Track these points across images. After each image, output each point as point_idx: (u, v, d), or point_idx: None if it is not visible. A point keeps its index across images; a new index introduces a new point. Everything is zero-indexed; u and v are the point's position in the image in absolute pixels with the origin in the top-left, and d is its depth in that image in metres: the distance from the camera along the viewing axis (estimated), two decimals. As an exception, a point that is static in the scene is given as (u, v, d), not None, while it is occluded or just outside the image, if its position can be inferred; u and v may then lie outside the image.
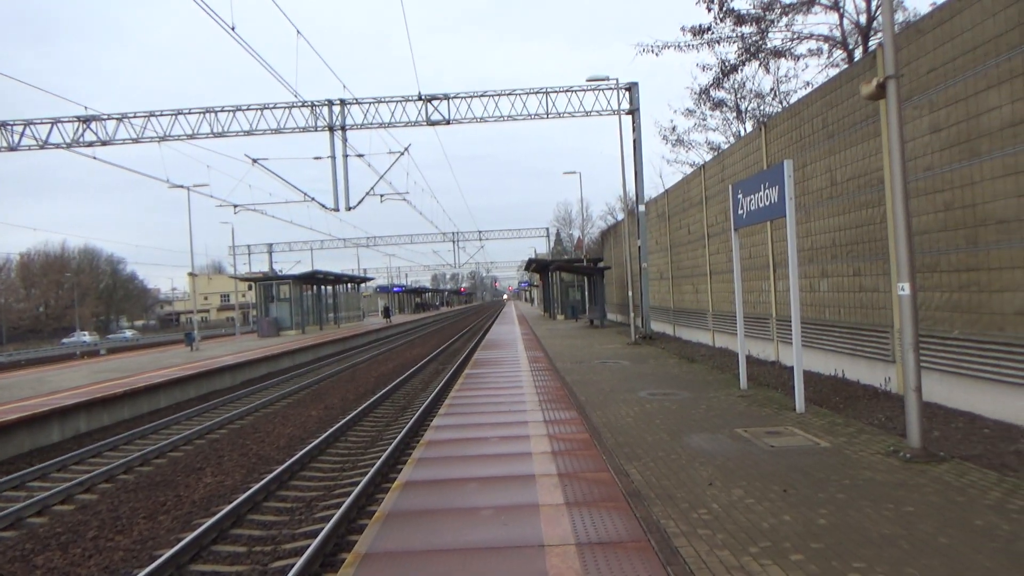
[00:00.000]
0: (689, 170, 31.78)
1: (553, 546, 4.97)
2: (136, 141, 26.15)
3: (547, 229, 73.88)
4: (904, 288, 7.07)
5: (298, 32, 15.15)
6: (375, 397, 16.07)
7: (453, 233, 70.90)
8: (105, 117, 26.09)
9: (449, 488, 6.47)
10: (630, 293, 23.33)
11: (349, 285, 53.62)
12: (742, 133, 28.30)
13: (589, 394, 11.72)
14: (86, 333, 69.81)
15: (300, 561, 6.25)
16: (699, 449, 7.54)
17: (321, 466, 10.41)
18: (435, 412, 10.84)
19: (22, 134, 25.76)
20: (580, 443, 8.03)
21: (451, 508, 5.89)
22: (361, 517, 7.71)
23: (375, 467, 9.39)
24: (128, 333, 77.84)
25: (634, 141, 25.38)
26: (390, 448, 10.46)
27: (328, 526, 7.08)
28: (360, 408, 14.53)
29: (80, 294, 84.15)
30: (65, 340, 65.78)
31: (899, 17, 20.06)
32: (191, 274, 35.26)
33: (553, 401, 11.12)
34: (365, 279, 65.88)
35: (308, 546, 6.93)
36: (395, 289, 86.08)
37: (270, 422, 14.13)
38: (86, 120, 26.01)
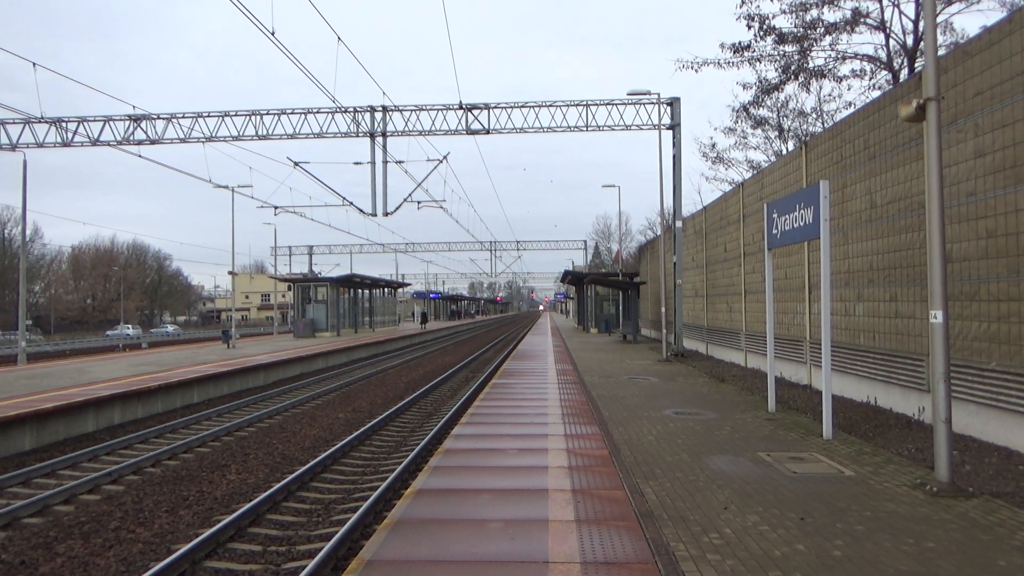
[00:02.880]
0: (728, 188, 31.40)
1: (557, 563, 4.93)
2: (183, 141, 26.81)
3: (585, 241, 73.87)
4: (937, 316, 6.88)
5: (339, 39, 15.41)
6: (403, 403, 16.14)
7: (490, 242, 71.36)
8: (155, 117, 26.81)
9: (461, 498, 6.46)
10: (664, 309, 23.12)
11: (386, 290, 54.10)
12: (783, 152, 27.91)
13: (613, 410, 11.63)
14: (129, 326, 71.60)
15: (312, 564, 6.28)
16: (718, 471, 7.42)
17: (343, 469, 10.48)
18: (459, 420, 10.83)
19: (75, 131, 26.61)
20: (598, 459, 7.96)
21: (460, 519, 5.87)
22: (377, 522, 7.72)
23: (395, 473, 9.41)
24: (170, 328, 79.66)
25: (674, 157, 25.21)
26: (412, 454, 10.48)
27: (342, 530, 7.10)
28: (387, 413, 14.61)
29: (127, 288, 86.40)
30: (109, 332, 67.66)
31: (947, 39, 19.61)
32: (231, 273, 35.98)
33: (576, 415, 11.05)
34: (402, 284, 66.52)
35: (321, 549, 6.97)
36: (431, 295, 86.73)
37: (298, 422, 14.29)
38: (137, 119, 26.77)
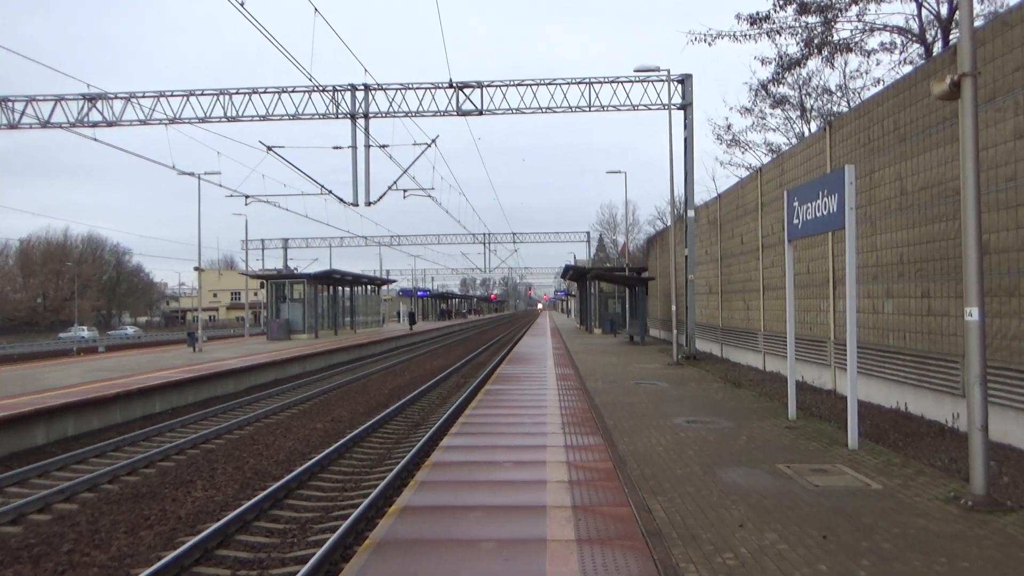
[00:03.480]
0: (744, 173, 31.51)
1: (556, 586, 4.96)
2: (144, 123, 26.72)
3: (587, 233, 73.95)
4: (972, 313, 6.91)
5: (316, 10, 15.36)
6: (387, 411, 16.19)
7: (484, 234, 71.35)
8: (112, 96, 26.72)
9: (450, 516, 6.48)
10: (674, 307, 23.18)
11: (368, 287, 54.13)
12: (805, 133, 27.97)
13: (619, 418, 11.68)
14: (85, 328, 71.35)
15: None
16: (734, 485, 7.46)
17: (321, 484, 10.50)
18: (449, 431, 10.86)
19: (23, 112, 26.51)
20: (602, 473, 7.99)
21: (449, 539, 5.89)
22: (358, 543, 7.74)
23: (378, 489, 9.43)
24: (130, 330, 79.47)
25: (685, 139, 25.25)
26: (396, 468, 10.52)
27: (320, 552, 7.13)
28: (370, 423, 14.65)
29: (81, 286, 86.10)
30: (62, 335, 67.39)
31: (985, 8, 19.63)
32: (198, 268, 35.86)
33: (578, 424, 11.09)
34: (386, 281, 66.50)
35: (295, 573, 6.98)
36: (419, 293, 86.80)
37: (271, 433, 14.31)
38: (92, 99, 26.66)
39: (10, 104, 26.52)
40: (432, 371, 26.76)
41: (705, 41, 22.09)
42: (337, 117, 27.33)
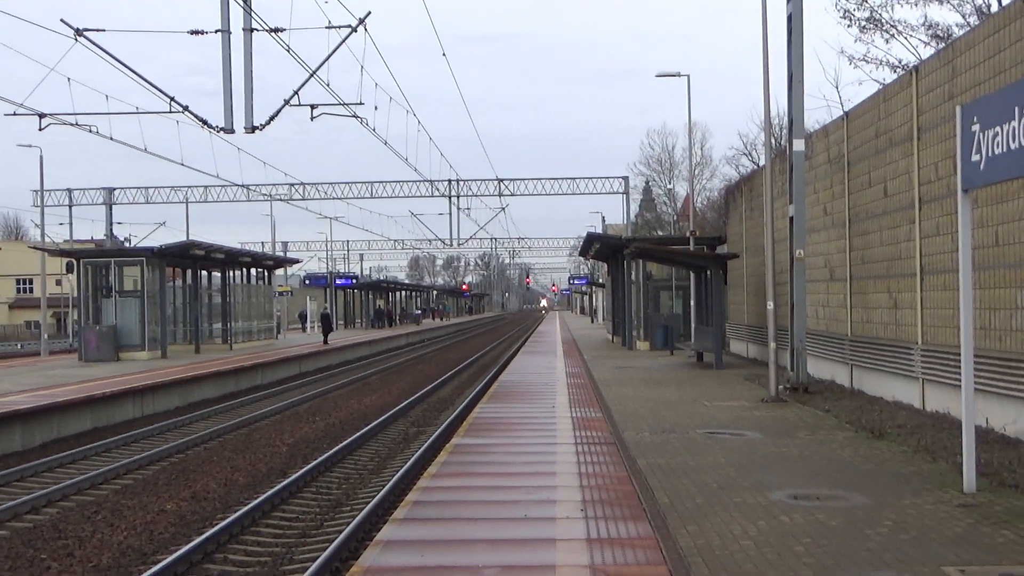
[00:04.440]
0: (890, 76, 31.52)
1: None
2: None
3: (624, 180, 73.41)
4: None
5: None
6: (263, 497, 16.13)
7: (449, 183, 71.04)
8: None
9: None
10: (771, 305, 23.18)
11: (253, 271, 54.24)
12: (995, 5, 27.97)
13: (678, 493, 11.73)
14: None
15: None
16: (873, 605, 7.47)
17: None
18: (392, 516, 10.92)
19: None
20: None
21: None
22: None
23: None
24: None
25: (789, 18, 25.17)
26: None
27: None
28: (259, 501, 14.63)
29: None
30: None
31: None
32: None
33: (610, 503, 11.15)
34: (283, 261, 66.36)
35: None
36: (338, 282, 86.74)
37: (57, 544, 14.26)
38: None
39: None
40: (360, 414, 26.94)
41: None
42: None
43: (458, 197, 71.97)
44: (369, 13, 28.80)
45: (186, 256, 43.19)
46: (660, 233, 79.58)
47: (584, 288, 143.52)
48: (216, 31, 27.81)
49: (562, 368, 32.29)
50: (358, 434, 22.25)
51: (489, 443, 15.92)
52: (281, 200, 68.78)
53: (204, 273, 47.26)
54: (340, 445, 20.46)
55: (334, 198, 70.81)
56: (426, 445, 20.06)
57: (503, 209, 77.46)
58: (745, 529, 9.93)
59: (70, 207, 69.70)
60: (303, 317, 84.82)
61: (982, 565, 8.43)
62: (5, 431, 20.95)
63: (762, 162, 36.67)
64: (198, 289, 46.21)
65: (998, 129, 10.25)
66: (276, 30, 28.08)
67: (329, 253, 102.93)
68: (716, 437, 16.24)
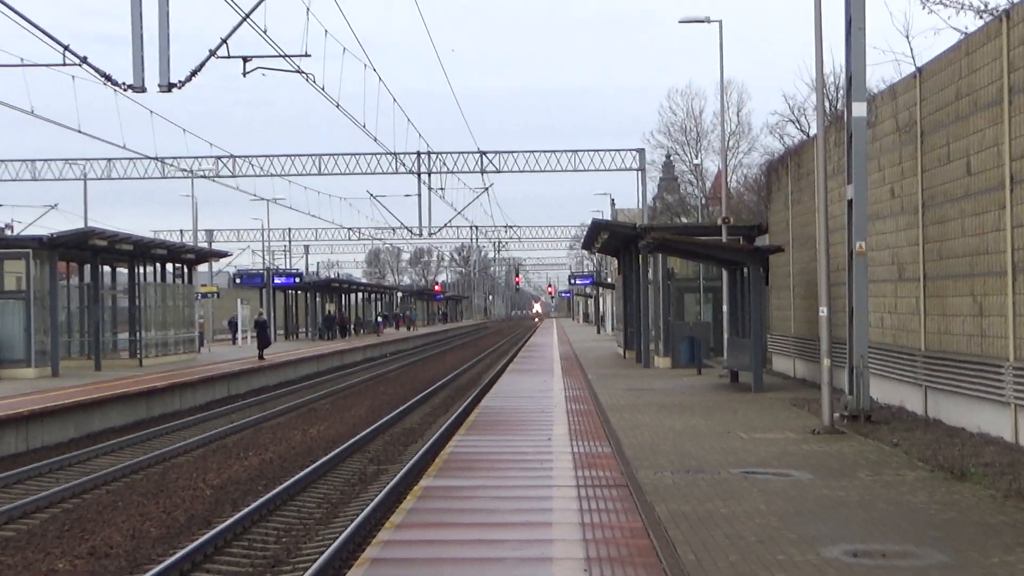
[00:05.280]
0: (974, 24, 31.54)
1: None
2: None
3: (639, 153, 73.35)
4: None
5: None
6: (213, 532, 16.12)
7: (417, 155, 70.79)
8: None
9: None
10: (824, 311, 23.18)
11: (170, 267, 54.14)
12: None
13: (708, 548, 11.80)
14: None
15: None
16: None
17: None
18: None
19: None
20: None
21: None
22: None
23: None
24: None
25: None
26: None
27: None
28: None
29: None
30: None
31: None
32: None
33: (622, 561, 11.14)
34: (210, 254, 66.08)
35: None
36: (278, 281, 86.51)
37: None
38: None
39: None
40: (305, 449, 26.98)
41: None
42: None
43: (429, 174, 71.59)
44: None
45: (84, 247, 42.97)
46: (685, 220, 79.65)
47: (588, 289, 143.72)
48: (122, -37, 27.72)
49: (561, 390, 32.26)
50: (302, 473, 22.29)
51: (468, 485, 15.92)
52: (205, 177, 68.54)
53: (107, 269, 47.08)
54: (279, 487, 20.41)
55: (273, 175, 70.55)
56: (388, 488, 20.00)
57: (486, 190, 77.42)
58: (791, 596, 9.93)
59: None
60: (233, 325, 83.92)
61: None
62: None
63: (813, 131, 36.74)
64: (99, 290, 45.80)
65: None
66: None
67: (266, 244, 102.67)
68: (755, 478, 16.18)
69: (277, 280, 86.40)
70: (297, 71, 33.27)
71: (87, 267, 45.72)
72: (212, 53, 29.85)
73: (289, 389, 46.26)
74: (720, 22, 41.15)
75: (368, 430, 29.51)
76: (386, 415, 33.41)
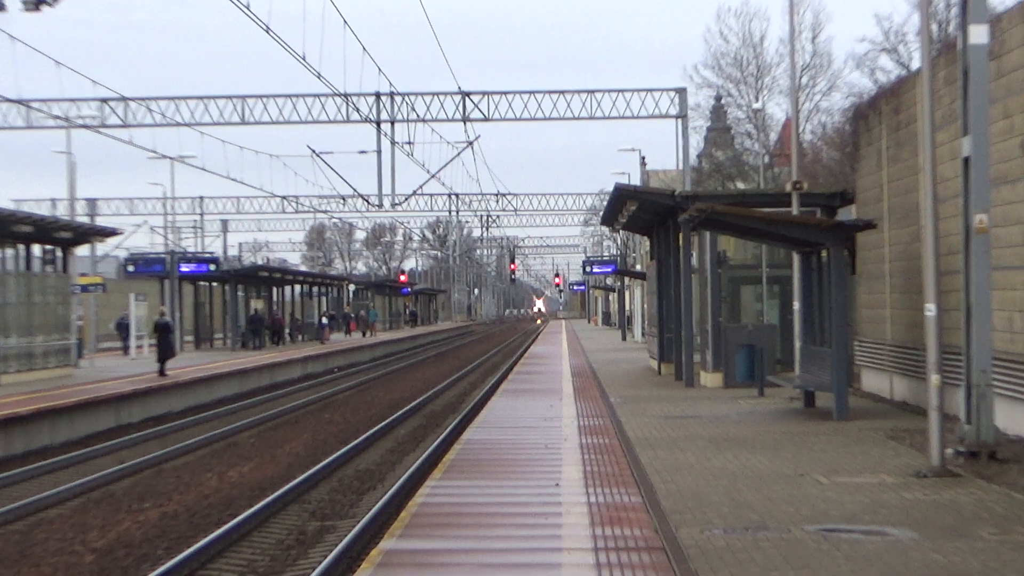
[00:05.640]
0: None
1: None
2: None
3: (678, 93, 73.34)
4: None
5: None
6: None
7: (377, 98, 70.75)
8: None
9: None
10: (932, 310, 23.05)
11: (37, 249, 53.99)
12: None
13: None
14: None
15: None
16: None
17: None
18: None
19: None
20: None
21: None
22: None
23: None
24: None
25: None
26: None
27: None
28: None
29: None
30: None
31: None
32: None
33: None
34: (93, 232, 66.00)
35: None
36: (187, 269, 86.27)
37: None
38: None
39: None
40: (222, 499, 27.38)
41: None
42: None
43: (392, 123, 71.65)
44: None
45: None
46: (741, 186, 79.89)
47: (609, 280, 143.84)
48: None
49: (572, 418, 32.37)
50: (219, 532, 22.36)
51: (445, 549, 16.09)
52: (87, 127, 68.61)
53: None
54: (186, 552, 20.37)
55: (179, 124, 70.61)
56: (336, 553, 20.07)
57: (470, 144, 77.03)
58: None
59: None
60: (124, 329, 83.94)
61: None
62: None
63: (916, 64, 36.53)
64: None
65: None
66: None
67: (170, 219, 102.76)
68: (839, 538, 16.10)
69: (185, 268, 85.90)
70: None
71: None
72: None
73: (201, 416, 46.40)
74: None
75: (309, 472, 29.52)
76: (333, 452, 33.42)
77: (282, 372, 67.36)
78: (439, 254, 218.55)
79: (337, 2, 51.98)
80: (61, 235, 55.74)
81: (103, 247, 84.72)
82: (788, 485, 20.78)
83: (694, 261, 43.99)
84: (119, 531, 23.05)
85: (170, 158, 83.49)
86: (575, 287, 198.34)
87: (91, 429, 40.54)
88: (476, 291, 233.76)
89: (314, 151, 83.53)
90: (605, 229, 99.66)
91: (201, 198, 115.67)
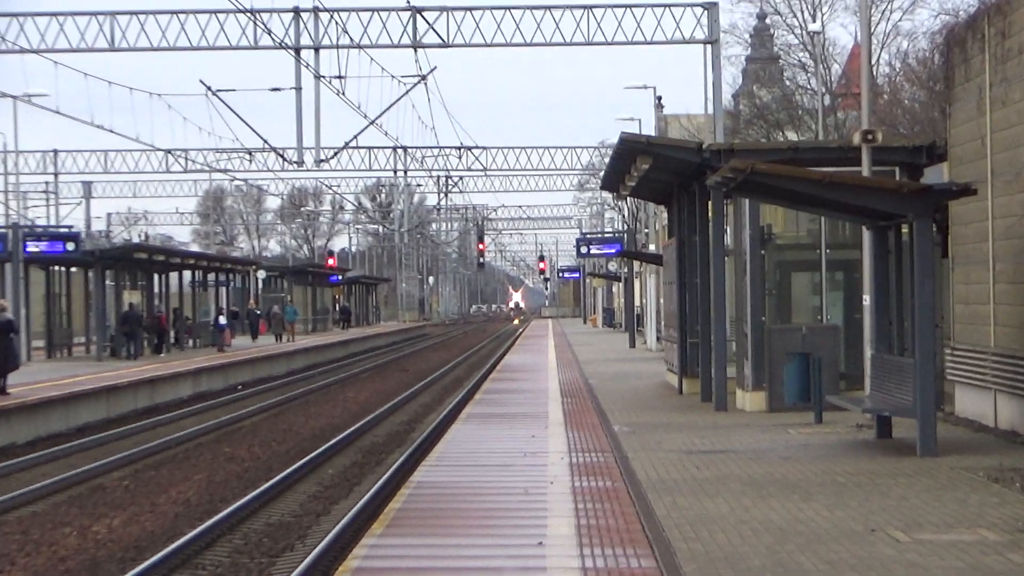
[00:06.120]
0: None
1: None
2: None
3: (707, 11, 73.73)
4: None
5: None
6: None
7: (295, 13, 71.05)
8: None
9: None
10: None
11: None
12: None
13: None
14: None
15: None
16: None
17: None
18: None
19: None
20: None
21: None
22: None
23: None
24: None
25: None
26: None
27: None
28: None
29: None
30: None
31: None
32: None
33: None
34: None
35: None
36: (36, 248, 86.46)
37: None
38: None
39: None
40: (86, 561, 27.08)
41: None
42: None
43: (316, 50, 71.78)
44: None
45: None
46: (792, 136, 79.93)
47: (613, 265, 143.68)
48: None
49: (561, 452, 32.47)
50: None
51: None
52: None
53: None
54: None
55: (24, 51, 70.73)
56: None
57: (423, 79, 77.29)
58: None
59: None
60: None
61: None
62: None
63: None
64: None
65: None
66: None
67: (11, 180, 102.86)
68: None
69: (33, 247, 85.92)
70: None
71: None
72: None
73: (56, 450, 46.38)
74: None
75: (202, 527, 29.54)
76: (236, 499, 33.48)
77: (166, 390, 67.50)
78: (381, 230, 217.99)
79: None
80: None
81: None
82: (855, 545, 20.48)
83: (728, 240, 43.99)
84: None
85: (12, 97, 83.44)
86: (566, 274, 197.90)
87: None
88: (431, 280, 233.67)
89: (209, 88, 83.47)
90: (607, 196, 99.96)
91: (55, 152, 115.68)
